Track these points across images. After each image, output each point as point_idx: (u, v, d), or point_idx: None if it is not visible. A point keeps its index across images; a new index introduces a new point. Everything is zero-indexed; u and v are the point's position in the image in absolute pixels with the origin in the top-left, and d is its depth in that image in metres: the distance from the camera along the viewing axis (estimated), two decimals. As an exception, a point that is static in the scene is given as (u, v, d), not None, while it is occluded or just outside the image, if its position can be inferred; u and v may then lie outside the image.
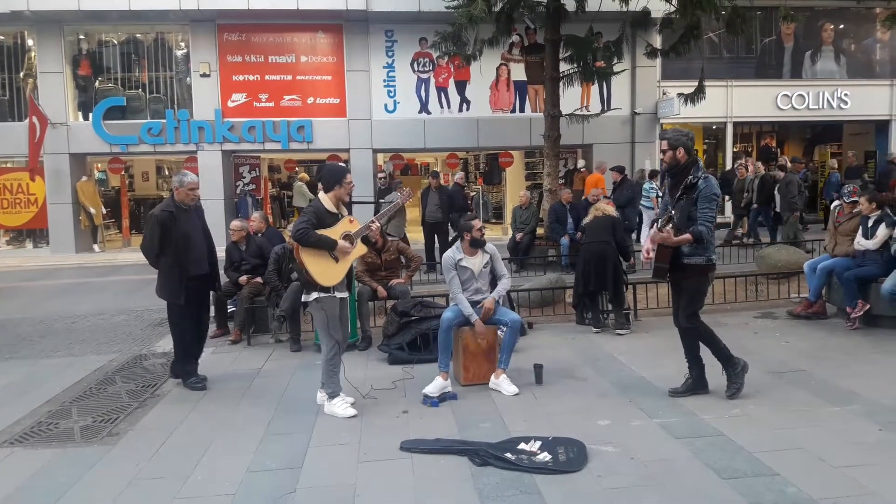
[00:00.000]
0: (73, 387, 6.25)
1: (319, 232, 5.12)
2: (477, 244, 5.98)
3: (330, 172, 5.39)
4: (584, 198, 12.84)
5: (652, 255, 5.17)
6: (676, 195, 5.14)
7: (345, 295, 5.44)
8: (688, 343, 5.40)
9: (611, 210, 8.16)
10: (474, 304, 5.90)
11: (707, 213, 5.01)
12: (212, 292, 6.53)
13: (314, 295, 5.21)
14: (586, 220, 8.33)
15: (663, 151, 5.31)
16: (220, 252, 6.53)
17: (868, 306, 7.31)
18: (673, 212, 5.04)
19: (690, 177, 5.08)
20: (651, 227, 5.14)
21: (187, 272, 5.90)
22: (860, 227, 7.53)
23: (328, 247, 5.13)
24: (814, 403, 5.13)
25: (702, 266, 5.15)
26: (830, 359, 6.32)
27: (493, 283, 6.12)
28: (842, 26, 18.55)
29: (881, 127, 18.56)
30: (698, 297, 5.31)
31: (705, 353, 5.41)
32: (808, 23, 17.69)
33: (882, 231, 7.26)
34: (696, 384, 5.40)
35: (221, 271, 6.53)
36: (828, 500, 3.58)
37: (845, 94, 17.94)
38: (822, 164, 18.99)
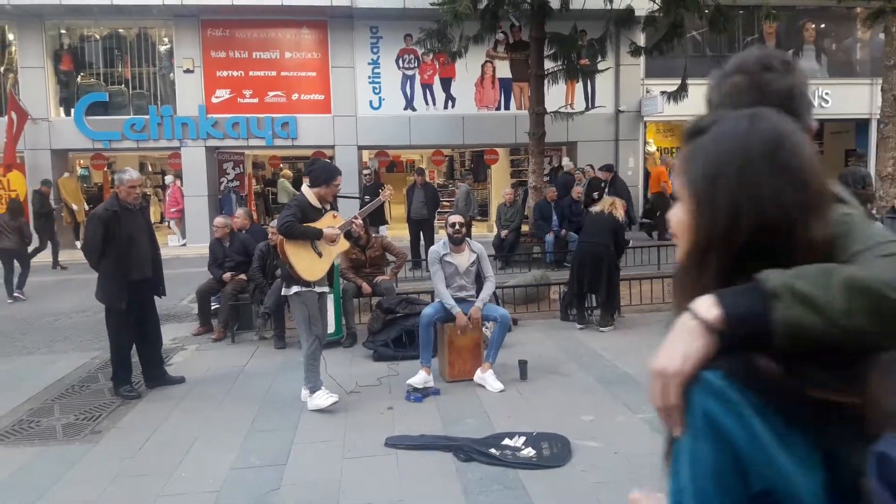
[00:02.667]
0: (54, 384, 6.19)
1: (303, 224, 5.12)
2: (453, 241, 5.99)
3: (322, 169, 5.39)
4: (567, 195, 12.93)
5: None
6: None
7: (325, 290, 5.44)
8: None
9: (620, 213, 7.80)
10: (458, 300, 5.91)
11: None
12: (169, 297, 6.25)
13: (294, 288, 5.21)
14: (595, 208, 8.09)
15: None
16: (207, 253, 6.46)
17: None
18: None
19: None
20: None
21: (129, 276, 5.67)
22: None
23: (314, 236, 5.12)
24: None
25: None
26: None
27: (479, 282, 6.14)
28: (823, 26, 18.72)
29: (861, 126, 18.77)
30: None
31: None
32: (789, 22, 17.85)
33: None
34: None
35: (205, 268, 6.45)
36: (808, 493, 3.63)
37: (826, 93, 18.11)
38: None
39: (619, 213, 7.76)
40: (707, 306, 0.94)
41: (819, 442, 0.88)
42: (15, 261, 10.72)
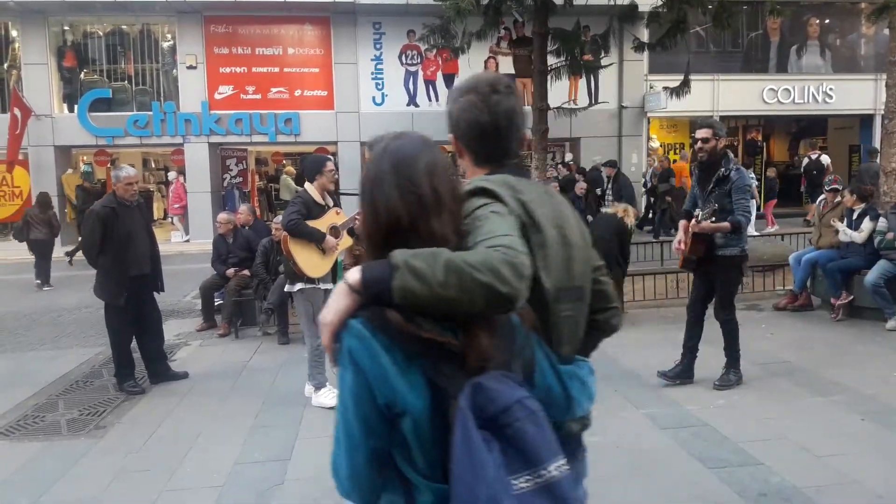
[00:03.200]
0: (59, 380, 6.21)
1: (308, 223, 5.12)
2: None
3: (311, 162, 5.46)
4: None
5: (684, 246, 5.20)
6: (708, 188, 5.17)
7: (329, 286, 5.44)
8: (696, 331, 5.44)
9: (631, 220, 7.76)
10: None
11: (743, 202, 5.07)
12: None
13: (298, 285, 5.22)
14: (607, 209, 8.20)
15: (705, 140, 5.19)
16: (201, 250, 6.46)
17: (852, 297, 7.39)
18: (716, 205, 5.07)
19: (723, 169, 5.12)
20: (690, 220, 5.15)
21: (128, 272, 5.66)
22: (844, 219, 7.60)
23: (317, 240, 5.14)
24: (798, 394, 5.19)
25: (736, 257, 5.20)
26: (815, 350, 6.39)
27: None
28: (827, 21, 18.65)
29: (865, 121, 18.70)
30: (734, 287, 5.41)
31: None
32: (793, 17, 17.76)
33: (866, 224, 7.33)
34: (684, 371, 5.45)
35: (209, 264, 6.45)
36: (811, 489, 3.63)
37: (830, 89, 18.05)
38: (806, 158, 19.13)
39: (630, 220, 7.79)
40: (353, 274, 1.31)
41: (427, 372, 1.27)
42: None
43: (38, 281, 11.29)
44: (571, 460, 1.49)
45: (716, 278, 5.32)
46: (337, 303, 1.30)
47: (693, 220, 5.13)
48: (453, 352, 1.26)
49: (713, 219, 5.03)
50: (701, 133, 5.23)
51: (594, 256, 1.85)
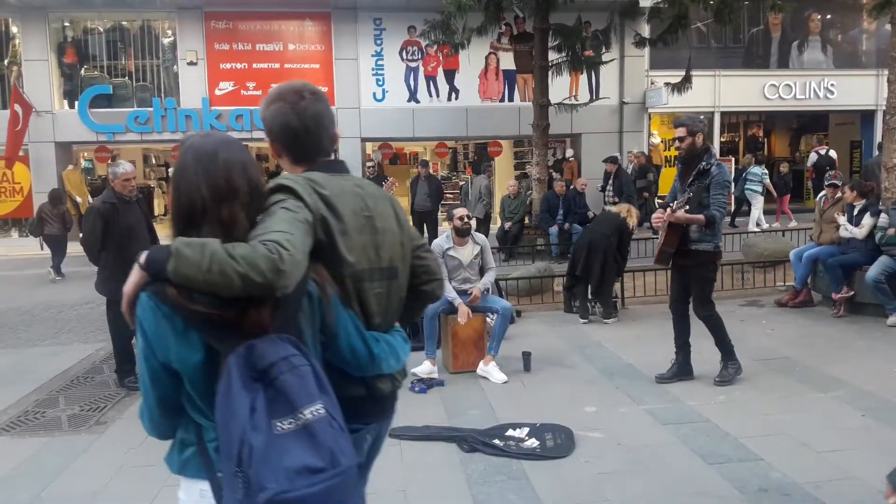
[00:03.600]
0: (60, 375, 6.22)
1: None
2: (460, 233, 5.99)
3: None
4: (572, 186, 12.93)
5: (661, 236, 5.20)
6: (688, 181, 5.18)
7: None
8: (683, 328, 5.44)
9: (633, 220, 7.83)
10: (462, 292, 5.92)
11: (720, 198, 5.08)
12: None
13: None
14: (610, 208, 8.22)
15: (680, 139, 5.26)
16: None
17: (853, 292, 7.39)
18: (690, 194, 5.07)
19: (703, 163, 5.13)
20: (665, 210, 5.17)
21: (129, 267, 5.67)
22: (845, 214, 7.59)
23: None
24: (798, 390, 5.19)
25: (710, 252, 5.20)
26: (815, 346, 6.39)
27: (482, 274, 6.14)
28: (829, 17, 18.60)
29: (867, 117, 18.67)
30: (708, 284, 5.37)
31: (692, 339, 5.46)
32: (795, 13, 17.71)
33: (867, 220, 7.32)
34: (681, 369, 5.45)
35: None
36: (811, 485, 3.64)
37: (832, 85, 18.00)
38: (808, 154, 19.08)
39: (632, 221, 7.82)
40: (142, 255, 1.58)
41: (202, 336, 1.56)
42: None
43: (52, 273, 11.67)
44: (382, 416, 2.02)
45: (690, 274, 5.33)
46: (132, 277, 1.58)
47: (668, 210, 5.14)
48: (221, 321, 1.54)
49: (687, 207, 5.04)
50: (677, 133, 5.32)
51: (412, 238, 2.13)
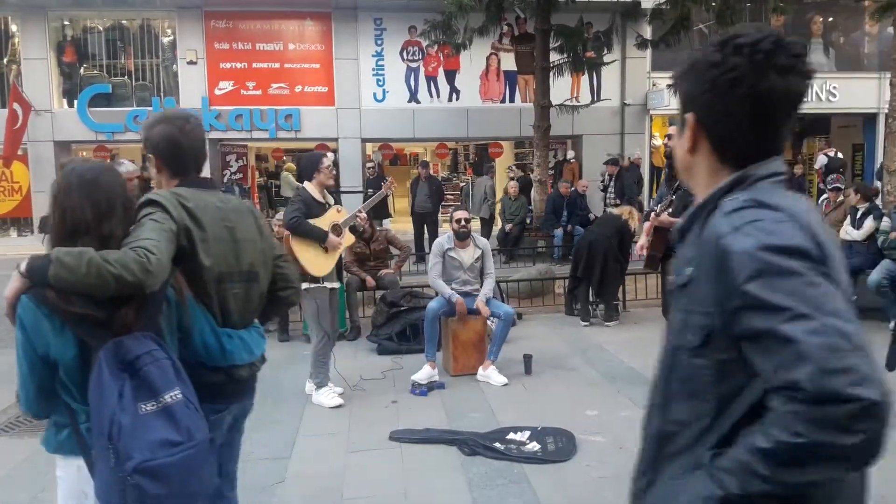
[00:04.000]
0: (58, 376, 6.18)
1: (310, 222, 5.09)
2: (460, 236, 5.95)
3: (307, 160, 5.41)
4: (573, 188, 12.90)
5: (645, 251, 5.18)
6: (675, 185, 5.16)
7: (335, 285, 5.41)
8: None
9: (634, 222, 7.75)
10: (461, 294, 5.87)
11: None
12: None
13: (304, 285, 5.18)
14: (612, 210, 8.24)
15: (670, 137, 5.26)
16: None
17: (854, 297, 7.35)
18: (672, 197, 5.05)
19: None
20: (648, 217, 5.15)
21: None
22: (847, 217, 7.57)
23: (319, 238, 5.10)
24: (801, 394, 5.15)
25: None
26: (817, 350, 6.34)
27: (482, 276, 6.10)
28: (831, 19, 18.58)
29: (869, 120, 18.65)
30: None
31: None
32: (797, 15, 17.71)
33: (868, 223, 7.30)
34: None
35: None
36: (815, 490, 3.60)
37: (833, 87, 17.98)
38: (810, 157, 19.08)
39: (633, 223, 7.79)
40: (22, 264, 1.82)
41: (77, 333, 1.84)
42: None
43: None
44: (241, 397, 2.43)
45: None
46: (12, 283, 1.82)
47: (652, 215, 5.12)
48: (94, 319, 1.82)
49: (670, 210, 5.01)
50: (669, 130, 5.31)
51: (272, 247, 2.48)
